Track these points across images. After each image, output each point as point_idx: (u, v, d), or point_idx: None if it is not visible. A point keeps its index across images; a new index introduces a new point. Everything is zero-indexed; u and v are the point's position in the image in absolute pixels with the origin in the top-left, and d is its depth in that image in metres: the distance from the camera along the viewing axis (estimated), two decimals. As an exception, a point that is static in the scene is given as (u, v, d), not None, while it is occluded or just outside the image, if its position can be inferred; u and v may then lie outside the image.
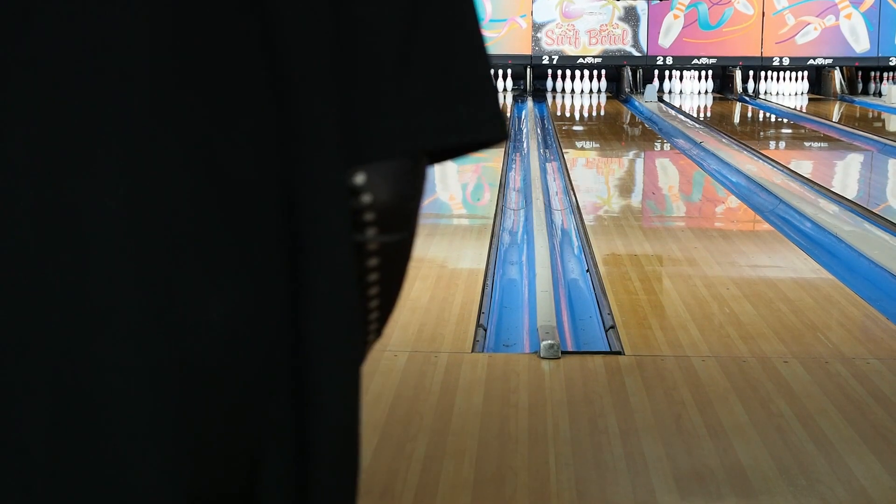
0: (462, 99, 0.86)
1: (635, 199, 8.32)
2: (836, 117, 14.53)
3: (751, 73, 17.03)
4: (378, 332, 0.92)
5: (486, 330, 4.41)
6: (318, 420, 0.82)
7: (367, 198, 0.85)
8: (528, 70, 16.83)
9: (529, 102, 15.20)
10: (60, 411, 0.74)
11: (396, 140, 0.85)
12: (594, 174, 9.88)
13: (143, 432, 0.75)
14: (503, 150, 10.33)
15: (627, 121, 14.19)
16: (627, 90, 16.71)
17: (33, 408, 0.74)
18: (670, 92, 16.87)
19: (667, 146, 11.53)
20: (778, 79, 17.04)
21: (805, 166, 9.89)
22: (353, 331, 0.85)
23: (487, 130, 0.87)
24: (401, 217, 0.87)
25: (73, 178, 0.75)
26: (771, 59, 16.74)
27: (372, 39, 0.84)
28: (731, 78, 17.00)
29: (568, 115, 14.83)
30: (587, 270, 5.54)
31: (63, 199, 0.75)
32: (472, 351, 4.05)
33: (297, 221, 0.80)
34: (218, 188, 0.78)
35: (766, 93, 16.92)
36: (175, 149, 0.77)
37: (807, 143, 12.07)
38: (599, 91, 16.97)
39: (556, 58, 16.76)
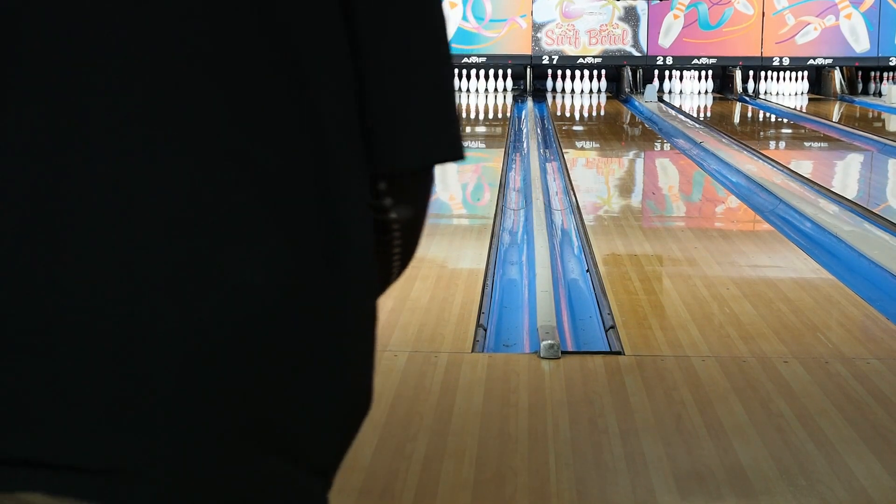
0: (452, 123, 1.01)
1: (635, 199, 8.32)
2: (836, 117, 14.53)
3: (751, 73, 17.03)
4: (399, 274, 1.08)
5: (486, 330, 4.41)
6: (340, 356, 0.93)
7: (388, 201, 1.00)
8: (528, 70, 16.83)
9: (529, 102, 15.20)
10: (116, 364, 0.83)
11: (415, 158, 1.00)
12: (594, 174, 9.88)
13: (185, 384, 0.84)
14: (503, 150, 10.33)
15: (627, 121, 14.19)
16: (627, 90, 16.71)
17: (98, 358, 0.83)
18: (670, 92, 16.87)
19: (667, 146, 11.53)
20: (778, 79, 17.04)
21: (805, 166, 9.89)
22: (372, 294, 0.97)
23: (461, 150, 1.01)
24: (414, 200, 1.03)
25: (125, 147, 0.84)
26: (771, 59, 16.74)
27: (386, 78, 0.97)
28: (731, 78, 17.00)
29: (568, 115, 14.83)
30: (587, 270, 5.54)
31: (114, 167, 0.84)
32: (472, 351, 4.05)
33: (330, 201, 0.91)
34: (256, 170, 0.87)
35: (766, 93, 16.92)
36: (223, 129, 0.87)
37: (807, 143, 12.07)
38: (599, 91, 16.97)
39: (556, 58, 16.76)
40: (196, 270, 0.84)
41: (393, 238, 1.03)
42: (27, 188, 0.83)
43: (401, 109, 0.98)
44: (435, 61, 1.00)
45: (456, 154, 1.00)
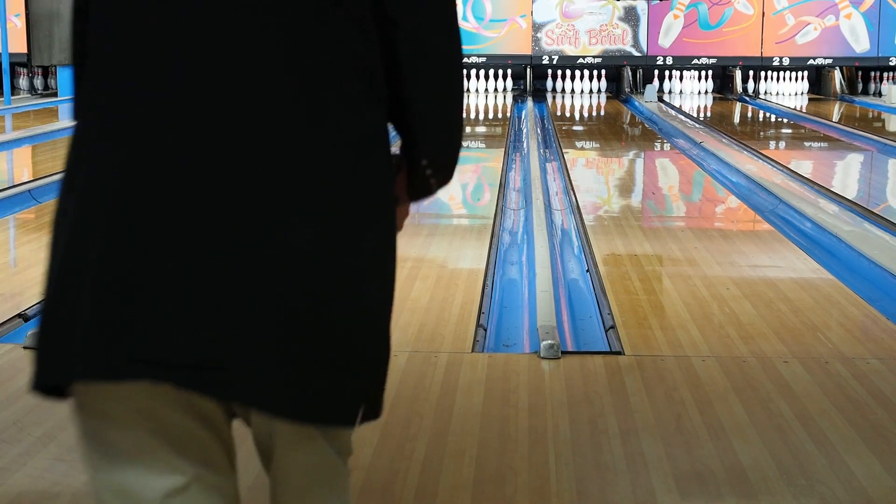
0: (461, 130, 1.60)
1: (635, 199, 8.32)
2: (836, 117, 14.53)
3: (751, 73, 17.03)
4: (438, 189, 1.60)
5: (486, 330, 4.41)
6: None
7: (428, 171, 1.57)
8: (528, 70, 16.83)
9: (529, 102, 15.20)
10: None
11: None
12: (594, 174, 9.88)
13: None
14: (503, 150, 10.33)
15: (627, 121, 14.19)
16: (627, 90, 16.71)
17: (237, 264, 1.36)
18: (670, 92, 16.87)
19: (667, 146, 11.53)
20: (778, 79, 17.04)
21: (805, 166, 9.89)
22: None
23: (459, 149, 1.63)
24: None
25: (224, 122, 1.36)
26: (771, 59, 16.74)
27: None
28: (731, 78, 17.00)
29: (568, 115, 14.82)
30: (587, 270, 5.54)
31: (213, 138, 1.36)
32: (472, 351, 4.05)
33: (360, 184, 1.44)
34: (315, 172, 1.39)
35: (766, 93, 16.92)
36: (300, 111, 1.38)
37: (807, 143, 12.07)
38: (599, 91, 16.97)
39: (556, 58, 16.76)
40: (284, 235, 1.35)
41: (431, 182, 1.57)
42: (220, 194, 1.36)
43: (434, 124, 1.54)
44: (456, 90, 1.54)
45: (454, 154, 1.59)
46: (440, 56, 1.48)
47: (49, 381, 1.37)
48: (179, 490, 1.40)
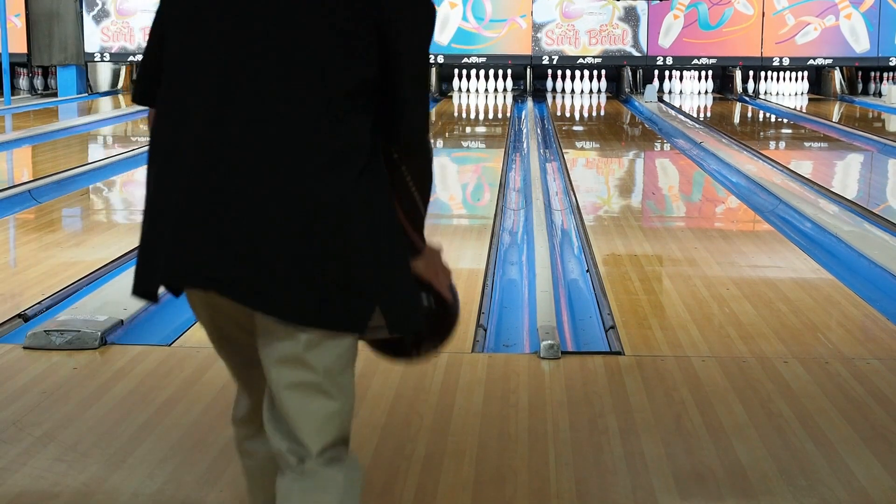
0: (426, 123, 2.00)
1: (635, 199, 8.32)
2: (836, 117, 14.53)
3: (751, 73, 17.03)
4: (423, 203, 1.99)
5: (486, 330, 4.41)
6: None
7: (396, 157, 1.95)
8: (528, 70, 16.82)
9: (529, 102, 15.20)
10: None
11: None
12: (594, 174, 9.88)
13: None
14: (503, 150, 10.33)
15: (627, 121, 14.19)
16: (627, 90, 16.71)
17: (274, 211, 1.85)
18: (670, 92, 16.87)
19: (667, 146, 11.53)
20: (778, 79, 17.03)
21: (805, 166, 9.89)
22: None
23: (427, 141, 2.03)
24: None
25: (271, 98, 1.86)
26: (771, 59, 16.74)
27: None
28: (731, 78, 17.00)
29: (568, 115, 14.82)
30: (587, 270, 5.54)
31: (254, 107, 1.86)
32: (472, 351, 4.05)
33: (368, 162, 1.89)
34: (342, 131, 1.86)
35: (766, 93, 16.92)
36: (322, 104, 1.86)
37: (807, 143, 12.07)
38: (599, 91, 16.97)
39: (556, 58, 16.75)
40: (308, 189, 1.83)
41: (407, 179, 1.94)
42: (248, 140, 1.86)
43: (409, 116, 1.92)
44: (423, 98, 1.96)
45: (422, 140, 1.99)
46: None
47: (142, 289, 1.94)
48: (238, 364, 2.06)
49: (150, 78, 1.99)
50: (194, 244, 1.84)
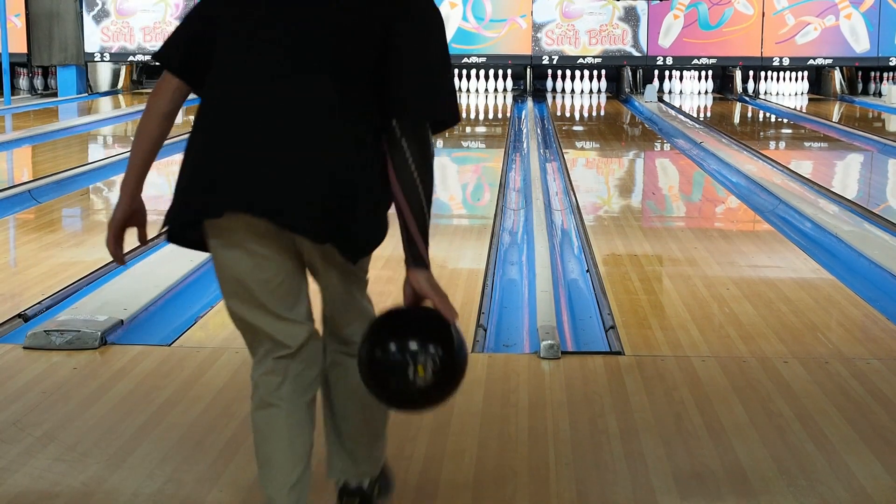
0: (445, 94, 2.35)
1: (635, 199, 8.32)
2: (836, 117, 14.53)
3: (751, 73, 17.03)
4: (425, 188, 2.30)
5: (486, 330, 4.41)
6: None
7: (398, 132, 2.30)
8: (528, 70, 16.83)
9: (529, 102, 15.20)
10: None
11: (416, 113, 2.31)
12: (594, 174, 9.88)
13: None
14: (503, 150, 10.33)
15: (627, 121, 14.19)
16: (627, 90, 16.71)
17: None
18: (670, 92, 16.88)
19: (667, 146, 11.53)
20: (778, 79, 17.04)
21: (805, 166, 9.89)
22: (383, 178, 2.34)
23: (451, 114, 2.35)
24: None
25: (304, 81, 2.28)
26: (771, 59, 16.74)
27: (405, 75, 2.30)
28: (731, 78, 17.00)
29: (568, 115, 14.83)
30: (587, 270, 5.54)
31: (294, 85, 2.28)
32: (472, 351, 4.05)
33: (373, 143, 2.30)
34: (354, 116, 2.27)
35: (766, 93, 16.92)
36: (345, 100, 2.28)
37: (807, 143, 12.07)
38: (599, 91, 16.98)
39: (556, 58, 16.76)
40: (327, 162, 2.23)
41: (408, 157, 2.27)
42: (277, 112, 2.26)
43: (414, 94, 2.29)
44: (432, 70, 2.34)
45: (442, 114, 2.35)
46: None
47: (186, 217, 2.29)
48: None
49: (181, 47, 2.32)
50: (245, 185, 2.23)
